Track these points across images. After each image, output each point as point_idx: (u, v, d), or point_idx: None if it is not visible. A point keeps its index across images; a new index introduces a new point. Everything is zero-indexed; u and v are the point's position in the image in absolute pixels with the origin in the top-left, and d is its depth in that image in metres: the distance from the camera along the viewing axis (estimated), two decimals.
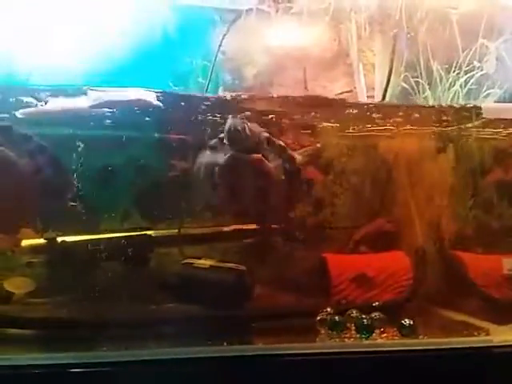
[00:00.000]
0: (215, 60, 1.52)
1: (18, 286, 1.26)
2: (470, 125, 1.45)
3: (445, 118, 1.48)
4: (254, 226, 1.41)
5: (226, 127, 1.23)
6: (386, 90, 1.57)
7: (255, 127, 1.28)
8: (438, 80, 1.52)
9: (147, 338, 1.19)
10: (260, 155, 1.27)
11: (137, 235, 1.37)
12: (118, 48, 1.37)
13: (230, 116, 1.24)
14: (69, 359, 1.08)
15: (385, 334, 1.21)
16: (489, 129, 1.48)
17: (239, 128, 1.22)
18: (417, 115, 1.44)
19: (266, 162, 1.28)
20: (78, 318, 1.25)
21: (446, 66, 1.50)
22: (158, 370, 1.09)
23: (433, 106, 1.47)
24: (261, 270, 1.37)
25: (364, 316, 1.23)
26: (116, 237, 1.36)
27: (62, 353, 1.11)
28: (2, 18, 1.27)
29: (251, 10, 1.55)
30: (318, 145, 1.41)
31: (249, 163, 1.26)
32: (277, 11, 1.54)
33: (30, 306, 1.27)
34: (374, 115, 1.44)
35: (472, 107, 1.42)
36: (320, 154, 1.46)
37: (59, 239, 1.33)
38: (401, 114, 1.43)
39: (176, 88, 1.44)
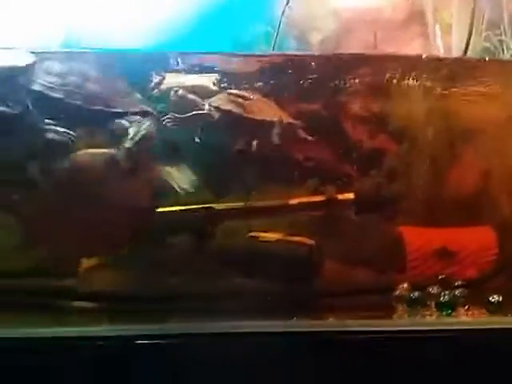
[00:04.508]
0: (279, 26, 1.46)
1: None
2: None
3: None
4: (321, 198, 1.34)
5: None
6: (465, 51, 1.45)
7: None
8: None
9: (214, 312, 1.16)
10: None
11: (201, 208, 1.33)
12: (178, 14, 1.34)
13: None
14: (135, 331, 1.06)
15: (470, 312, 1.11)
16: None
17: None
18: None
19: None
20: (144, 291, 1.23)
21: None
22: (224, 343, 1.05)
23: None
24: (331, 244, 1.30)
25: (445, 292, 1.14)
26: (181, 210, 1.33)
27: (128, 325, 1.09)
28: None
29: None
30: None
31: None
32: None
33: (96, 279, 1.26)
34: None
35: None
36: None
37: None
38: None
39: None
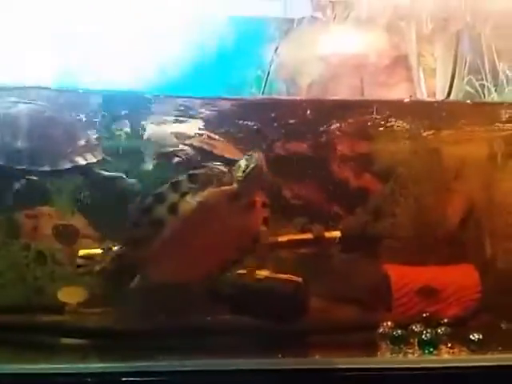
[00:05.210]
0: (269, 70, 1.50)
1: (70, 295, 1.26)
2: None
3: None
4: (309, 236, 1.36)
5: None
6: (449, 95, 1.50)
7: None
8: (504, 82, 1.43)
9: (201, 349, 1.16)
10: None
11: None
12: (172, 59, 1.38)
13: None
14: (123, 368, 1.07)
15: (451, 350, 1.12)
16: None
17: None
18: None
19: None
20: (132, 327, 1.24)
21: None
22: (210, 380, 1.06)
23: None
24: (318, 281, 1.32)
25: (427, 330, 1.15)
26: None
27: (115, 362, 1.10)
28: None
29: (306, 18, 1.53)
30: None
31: None
32: (334, 18, 1.52)
33: (84, 315, 1.27)
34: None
35: None
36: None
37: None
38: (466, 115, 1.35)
39: None
